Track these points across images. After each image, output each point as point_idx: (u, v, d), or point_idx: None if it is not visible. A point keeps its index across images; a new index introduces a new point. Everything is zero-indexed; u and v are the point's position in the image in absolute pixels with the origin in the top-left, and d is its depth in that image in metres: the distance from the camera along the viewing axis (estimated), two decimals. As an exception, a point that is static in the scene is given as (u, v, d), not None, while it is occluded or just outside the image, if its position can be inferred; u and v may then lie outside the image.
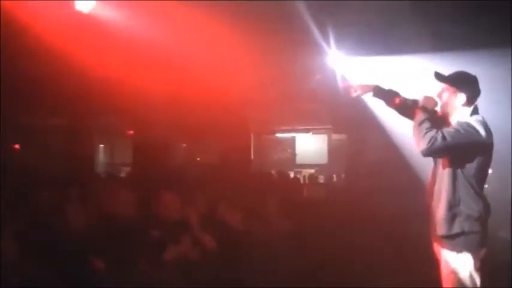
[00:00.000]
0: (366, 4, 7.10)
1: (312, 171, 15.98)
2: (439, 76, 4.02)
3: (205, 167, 12.73)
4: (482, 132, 3.77)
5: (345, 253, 6.61)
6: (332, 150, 16.69)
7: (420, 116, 3.89)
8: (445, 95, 3.98)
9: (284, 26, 7.80)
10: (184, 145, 14.89)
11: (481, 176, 3.87)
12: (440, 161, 3.95)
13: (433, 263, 4.02)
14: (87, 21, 7.56)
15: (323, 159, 16.89)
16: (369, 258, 6.56)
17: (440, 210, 3.89)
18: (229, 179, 8.64)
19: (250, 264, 5.63)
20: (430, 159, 4.03)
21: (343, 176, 14.27)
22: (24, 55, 7.64)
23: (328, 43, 7.70)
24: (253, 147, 15.08)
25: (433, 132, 3.72)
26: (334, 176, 14.67)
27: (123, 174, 12.41)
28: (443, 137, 3.69)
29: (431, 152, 3.76)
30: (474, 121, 3.83)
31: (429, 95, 4.04)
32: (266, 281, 5.46)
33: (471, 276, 3.80)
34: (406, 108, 4.18)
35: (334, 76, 8.46)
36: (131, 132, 13.03)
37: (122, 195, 5.69)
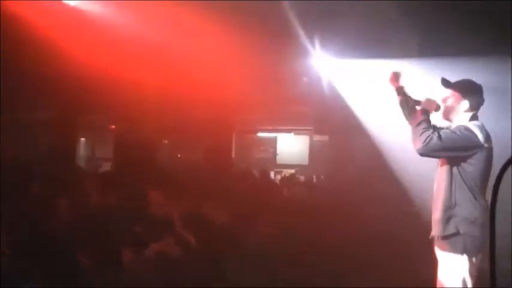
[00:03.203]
0: (355, 6, 7.14)
1: (293, 171, 16.01)
2: (445, 82, 4.11)
3: (186, 164, 12.73)
4: (479, 135, 3.86)
5: (326, 252, 6.66)
6: (313, 151, 16.75)
7: (420, 116, 3.99)
8: (450, 101, 4.08)
9: (270, 27, 7.83)
10: (166, 141, 14.85)
11: (481, 179, 3.90)
12: (439, 162, 4.04)
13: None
14: (72, 14, 7.53)
15: (304, 159, 16.94)
16: (348, 257, 6.62)
17: (437, 211, 3.97)
18: (211, 177, 8.66)
19: (232, 263, 5.65)
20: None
21: (322, 177, 14.35)
22: (6, 48, 7.56)
23: (313, 45, 7.74)
24: (234, 145, 15.09)
25: (429, 132, 3.81)
26: (314, 176, 14.75)
27: (104, 169, 12.35)
28: (439, 137, 3.78)
29: (427, 151, 3.83)
30: (472, 125, 3.93)
31: (433, 98, 4.13)
32: (249, 279, 5.48)
33: (465, 279, 3.84)
34: (407, 107, 4.25)
35: (319, 78, 8.52)
36: (113, 126, 12.98)
37: (105, 191, 5.69)
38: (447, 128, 4.03)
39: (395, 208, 7.50)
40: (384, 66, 7.71)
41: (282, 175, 14.80)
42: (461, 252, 3.84)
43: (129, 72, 8.48)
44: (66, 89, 9.26)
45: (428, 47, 7.34)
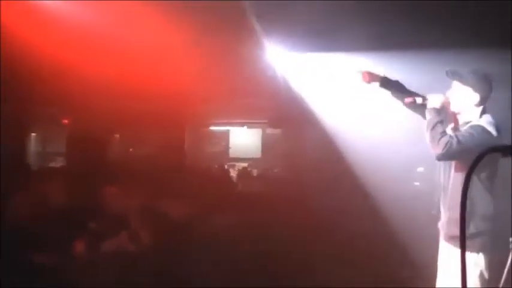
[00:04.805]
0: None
1: (245, 164, 16.06)
2: (453, 73, 3.96)
3: (139, 159, 12.61)
4: (494, 133, 3.78)
5: (281, 246, 6.70)
6: (266, 144, 16.83)
7: (432, 118, 3.86)
8: (457, 93, 3.94)
9: (224, 19, 7.79)
10: (118, 136, 14.66)
11: (494, 175, 3.83)
12: (452, 164, 3.92)
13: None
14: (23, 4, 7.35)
15: (257, 153, 17.01)
16: (302, 251, 6.67)
17: (454, 211, 3.80)
18: (164, 171, 8.60)
19: (189, 258, 5.63)
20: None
21: (276, 170, 14.42)
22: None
23: (268, 37, 7.74)
24: (187, 139, 15.01)
25: (447, 137, 3.73)
26: (267, 169, 14.81)
27: (56, 164, 12.15)
28: (458, 142, 3.69)
29: (447, 156, 3.76)
30: (485, 123, 3.82)
31: (440, 93, 3.96)
32: (205, 274, 5.47)
33: (481, 276, 3.76)
34: (416, 107, 4.10)
35: (273, 71, 8.54)
36: (65, 121, 12.74)
37: (58, 186, 5.59)
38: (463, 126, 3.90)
39: (348, 200, 7.59)
40: (336, 60, 7.79)
41: (235, 168, 14.83)
42: (478, 251, 3.76)
43: (80, 66, 8.34)
44: (17, 82, 9.02)
45: (414, 37, 7.05)
